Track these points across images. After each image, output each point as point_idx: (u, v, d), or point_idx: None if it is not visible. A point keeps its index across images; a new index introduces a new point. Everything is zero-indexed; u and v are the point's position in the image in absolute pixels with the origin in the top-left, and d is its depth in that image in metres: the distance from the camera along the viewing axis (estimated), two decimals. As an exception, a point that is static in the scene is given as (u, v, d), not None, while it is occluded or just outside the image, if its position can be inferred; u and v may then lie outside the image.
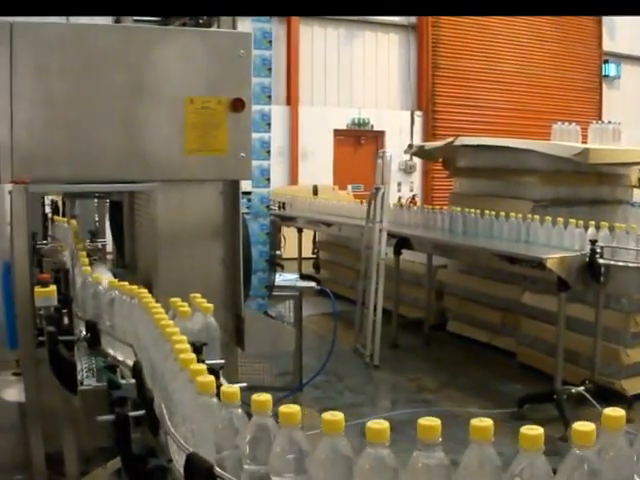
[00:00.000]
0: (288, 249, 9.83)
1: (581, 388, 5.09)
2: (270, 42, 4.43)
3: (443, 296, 7.88)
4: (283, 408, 1.12)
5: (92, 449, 3.91)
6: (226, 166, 3.38)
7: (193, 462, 1.18)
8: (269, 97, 4.37)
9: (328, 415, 1.10)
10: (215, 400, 1.32)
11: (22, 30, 3.04)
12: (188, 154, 3.28)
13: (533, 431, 1.05)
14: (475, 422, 1.06)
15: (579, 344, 5.72)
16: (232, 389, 1.23)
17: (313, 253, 10.96)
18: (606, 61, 18.15)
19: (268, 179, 4.38)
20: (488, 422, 1.07)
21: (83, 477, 3.85)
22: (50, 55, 3.10)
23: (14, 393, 5.82)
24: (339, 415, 1.11)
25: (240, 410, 1.24)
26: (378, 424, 1.07)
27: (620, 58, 18.21)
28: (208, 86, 3.34)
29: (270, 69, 4.38)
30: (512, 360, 6.50)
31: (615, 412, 1.08)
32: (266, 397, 1.17)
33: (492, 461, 1.07)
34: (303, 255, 10.51)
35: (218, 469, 1.13)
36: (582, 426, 1.06)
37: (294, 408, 1.13)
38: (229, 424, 1.20)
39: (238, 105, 3.33)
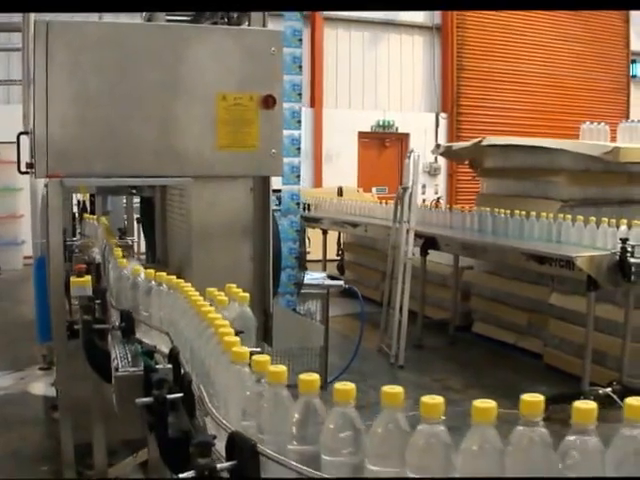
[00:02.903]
0: (313, 251, 9.83)
1: (608, 389, 5.03)
2: (300, 40, 4.44)
3: (469, 297, 7.84)
4: (338, 385, 1.15)
5: (118, 442, 3.97)
6: (257, 162, 3.40)
7: (236, 440, 1.19)
8: (299, 95, 4.38)
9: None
10: (264, 379, 1.33)
11: (58, 28, 3.09)
12: (220, 150, 3.31)
13: (485, 404, 1.09)
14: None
15: (607, 345, 5.67)
16: (279, 368, 1.24)
17: (337, 255, 10.95)
18: (634, 61, 17.95)
19: (298, 176, 4.39)
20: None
21: (110, 468, 3.91)
22: (85, 53, 3.14)
23: (41, 387, 5.92)
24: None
25: (286, 390, 1.26)
26: (432, 399, 1.10)
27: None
28: (240, 83, 3.37)
29: (300, 67, 4.38)
30: (538, 362, 6.45)
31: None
32: (314, 377, 1.19)
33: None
34: (327, 257, 10.51)
35: (261, 446, 1.14)
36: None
37: (349, 385, 1.16)
38: (275, 403, 1.21)
39: (269, 102, 3.35)
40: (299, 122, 4.39)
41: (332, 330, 6.05)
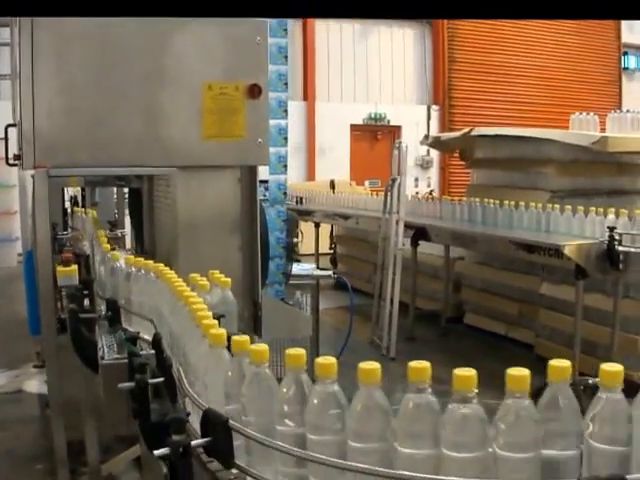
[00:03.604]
0: (305, 244, 9.84)
1: (598, 379, 5.04)
2: (285, 30, 4.45)
3: (460, 288, 7.87)
4: (319, 360, 1.17)
5: (111, 438, 3.97)
6: (244, 152, 3.40)
7: (209, 417, 1.20)
8: (285, 85, 4.39)
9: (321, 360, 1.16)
10: (247, 360, 1.34)
11: (43, 21, 3.09)
12: (206, 140, 3.31)
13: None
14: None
15: (597, 335, 5.69)
16: (261, 346, 1.26)
17: (330, 248, 10.97)
18: (625, 53, 17.99)
19: (285, 166, 4.40)
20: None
21: (103, 465, 3.91)
22: (70, 45, 3.15)
23: (35, 385, 5.92)
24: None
25: (268, 370, 1.27)
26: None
27: (640, 50, 18.06)
28: (225, 73, 3.37)
29: (286, 57, 4.39)
30: (530, 352, 6.47)
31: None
32: (300, 351, 1.21)
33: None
34: (320, 251, 10.52)
35: (233, 422, 1.16)
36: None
37: (330, 359, 1.18)
38: (257, 382, 1.22)
39: (255, 91, 3.36)
40: (285, 112, 4.40)
41: (323, 322, 6.06)
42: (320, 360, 1.16)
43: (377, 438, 1.13)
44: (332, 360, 1.17)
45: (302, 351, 1.21)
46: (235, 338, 1.35)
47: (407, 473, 1.06)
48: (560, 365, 1.14)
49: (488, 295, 7.41)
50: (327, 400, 1.15)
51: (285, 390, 1.17)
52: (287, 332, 4.23)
